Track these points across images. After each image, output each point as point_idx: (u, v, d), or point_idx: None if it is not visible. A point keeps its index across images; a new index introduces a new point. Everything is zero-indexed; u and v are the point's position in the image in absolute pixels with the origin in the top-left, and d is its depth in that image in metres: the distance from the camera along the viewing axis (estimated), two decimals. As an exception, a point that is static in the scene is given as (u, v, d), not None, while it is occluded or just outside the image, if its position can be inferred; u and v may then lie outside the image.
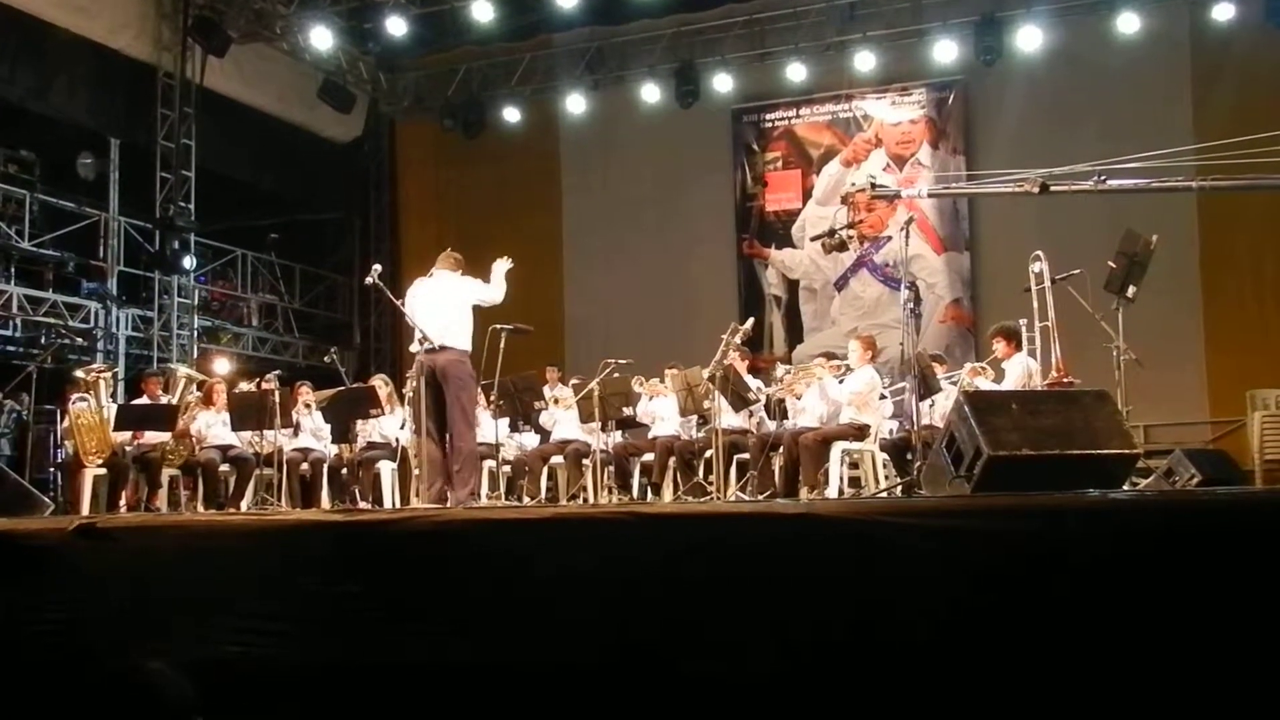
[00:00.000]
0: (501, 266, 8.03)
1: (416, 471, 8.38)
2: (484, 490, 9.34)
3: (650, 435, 10.29)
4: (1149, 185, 6.68)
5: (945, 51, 13.61)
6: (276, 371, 10.33)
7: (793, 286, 14.87)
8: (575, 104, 15.27)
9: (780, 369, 10.73)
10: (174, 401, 10.22)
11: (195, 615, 4.00)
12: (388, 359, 15.92)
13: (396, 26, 13.38)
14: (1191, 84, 13.05)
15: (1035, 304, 7.95)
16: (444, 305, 7.82)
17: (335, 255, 16.87)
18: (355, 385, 10.46)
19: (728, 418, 9.29)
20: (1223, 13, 12.61)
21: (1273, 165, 6.12)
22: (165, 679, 2.36)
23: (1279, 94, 11.85)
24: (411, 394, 8.46)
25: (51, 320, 12.24)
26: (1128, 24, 12.69)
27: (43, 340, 11.98)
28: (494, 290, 7.96)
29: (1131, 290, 7.17)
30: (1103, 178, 6.51)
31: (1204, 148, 6.90)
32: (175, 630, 4.06)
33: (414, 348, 7.87)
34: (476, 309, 7.93)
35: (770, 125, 15.07)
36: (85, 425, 9.49)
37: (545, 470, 10.31)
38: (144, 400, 10.12)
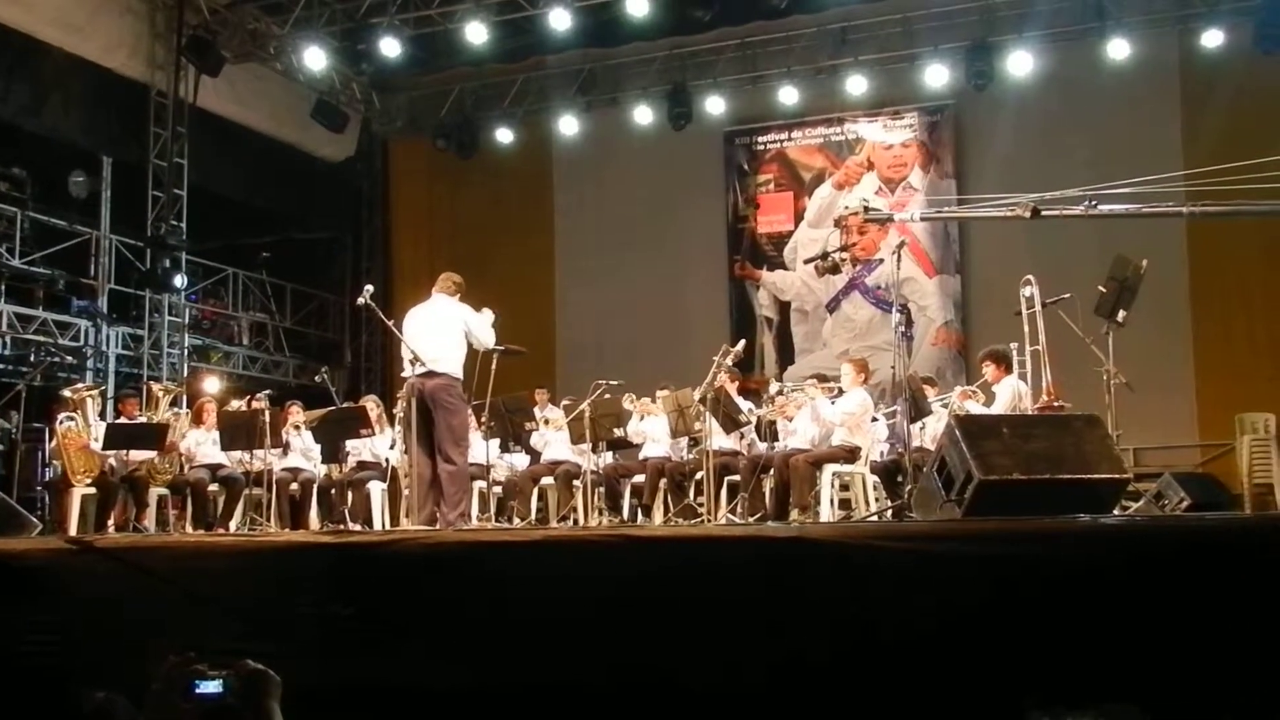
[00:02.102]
0: (488, 316, 8.08)
1: (407, 492, 8.37)
2: (474, 511, 9.32)
3: (641, 456, 10.29)
4: (1139, 210, 6.71)
5: (936, 76, 13.68)
6: (267, 391, 10.31)
7: (784, 308, 14.90)
8: (568, 125, 15.31)
9: (774, 386, 10.74)
10: (154, 418, 10.20)
11: (183, 636, 3.98)
12: (379, 379, 15.90)
13: (390, 47, 13.40)
14: (1181, 109, 13.13)
15: (1026, 327, 7.95)
16: (437, 330, 7.83)
17: (327, 274, 16.85)
18: (345, 405, 10.44)
19: (718, 439, 9.29)
20: (1212, 39, 12.70)
21: (1261, 191, 6.15)
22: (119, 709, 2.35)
23: (1268, 119, 11.93)
24: (402, 415, 8.46)
25: (41, 338, 12.20)
26: (1118, 50, 12.76)
27: (32, 358, 11.94)
28: (485, 334, 7.98)
29: (1122, 314, 7.19)
30: (1093, 203, 6.53)
31: (1194, 173, 6.93)
32: (165, 650, 4.04)
33: (406, 371, 7.87)
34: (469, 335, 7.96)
35: (762, 148, 15.12)
36: (73, 445, 9.46)
37: (536, 491, 10.30)
38: (123, 420, 10.09)
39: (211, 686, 2.00)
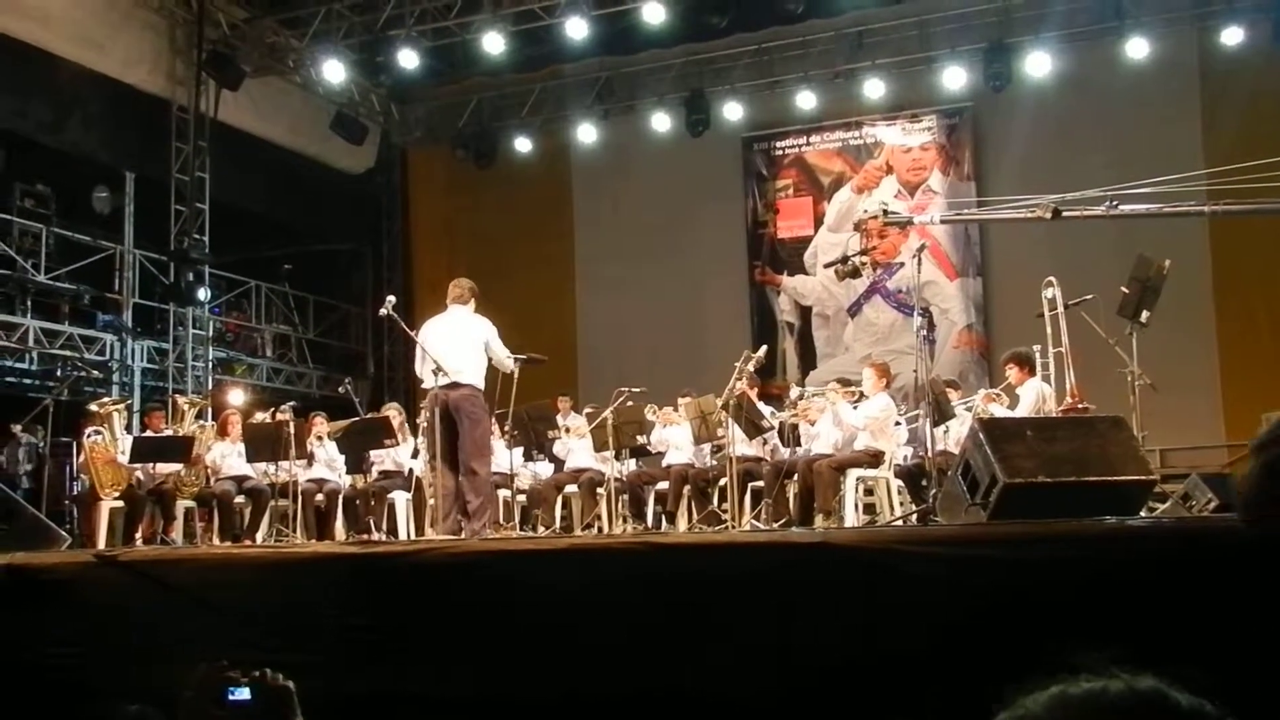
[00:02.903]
0: (512, 361, 8.13)
1: (432, 502, 8.40)
2: (499, 519, 9.34)
3: (664, 463, 10.28)
4: (1160, 210, 6.69)
5: (954, 78, 13.65)
6: (291, 402, 10.36)
7: (805, 313, 14.88)
8: (586, 133, 15.35)
9: (795, 390, 10.73)
10: (180, 431, 10.26)
11: (211, 647, 4.00)
12: (401, 388, 15.93)
13: (408, 59, 13.45)
14: (1201, 108, 13.06)
15: (1049, 329, 7.93)
16: (458, 341, 7.89)
17: (348, 285, 16.93)
18: (369, 416, 10.48)
19: (741, 445, 9.28)
20: (1231, 36, 12.62)
21: (1284, 189, 6.12)
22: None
23: (1289, 117, 11.85)
24: (425, 424, 8.49)
25: (67, 353, 12.30)
26: (1136, 49, 12.71)
27: (59, 373, 12.04)
28: (505, 359, 8.05)
29: (1145, 315, 7.16)
30: (1114, 203, 6.52)
31: (1215, 172, 6.90)
32: (190, 662, 4.06)
33: (428, 382, 7.91)
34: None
35: (781, 153, 15.12)
36: (100, 458, 9.53)
37: (560, 499, 10.30)
38: (149, 434, 10.15)
39: (244, 694, 2.05)
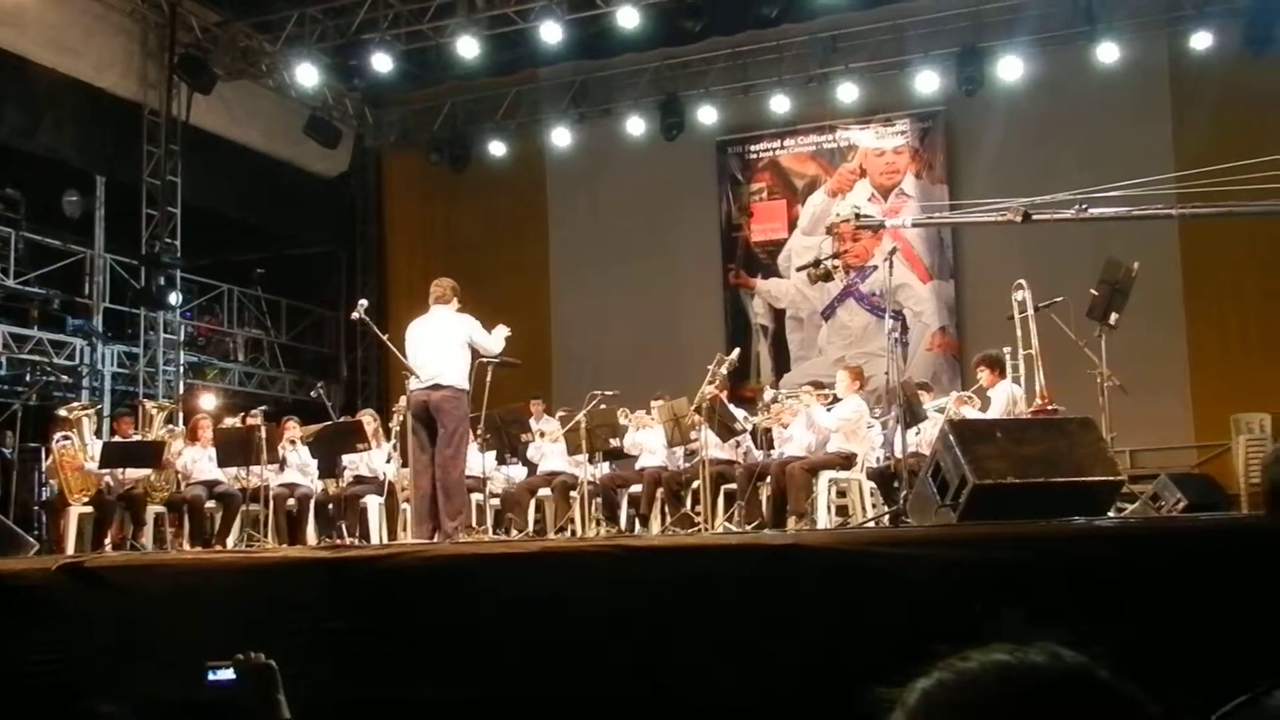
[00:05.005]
0: (502, 331, 8.13)
1: (405, 506, 8.38)
2: (472, 523, 9.31)
3: (637, 466, 10.28)
4: (1130, 213, 6.74)
5: (927, 82, 13.71)
6: (263, 406, 10.31)
7: (779, 316, 14.91)
8: (561, 137, 15.35)
9: (769, 393, 10.75)
10: (149, 436, 10.20)
11: (181, 653, 3.98)
12: (375, 392, 15.89)
13: (382, 63, 13.43)
14: (1171, 111, 13.17)
15: (1019, 332, 7.98)
16: (442, 342, 7.87)
17: (322, 289, 16.86)
18: (342, 420, 10.44)
19: (714, 448, 9.29)
20: (1201, 40, 12.74)
21: (1252, 192, 6.18)
22: None
23: (1258, 120, 11.96)
24: (399, 428, 8.47)
25: (37, 358, 12.19)
26: (1107, 53, 12.80)
27: (28, 378, 11.94)
28: (493, 343, 8.04)
29: (1114, 317, 7.22)
30: (1084, 206, 6.57)
31: (1184, 175, 6.96)
32: (161, 669, 4.04)
33: (413, 383, 7.89)
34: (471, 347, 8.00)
35: (755, 156, 15.15)
36: (69, 464, 9.46)
37: (533, 503, 10.29)
38: (119, 439, 10.09)
39: (227, 674, 2.05)
